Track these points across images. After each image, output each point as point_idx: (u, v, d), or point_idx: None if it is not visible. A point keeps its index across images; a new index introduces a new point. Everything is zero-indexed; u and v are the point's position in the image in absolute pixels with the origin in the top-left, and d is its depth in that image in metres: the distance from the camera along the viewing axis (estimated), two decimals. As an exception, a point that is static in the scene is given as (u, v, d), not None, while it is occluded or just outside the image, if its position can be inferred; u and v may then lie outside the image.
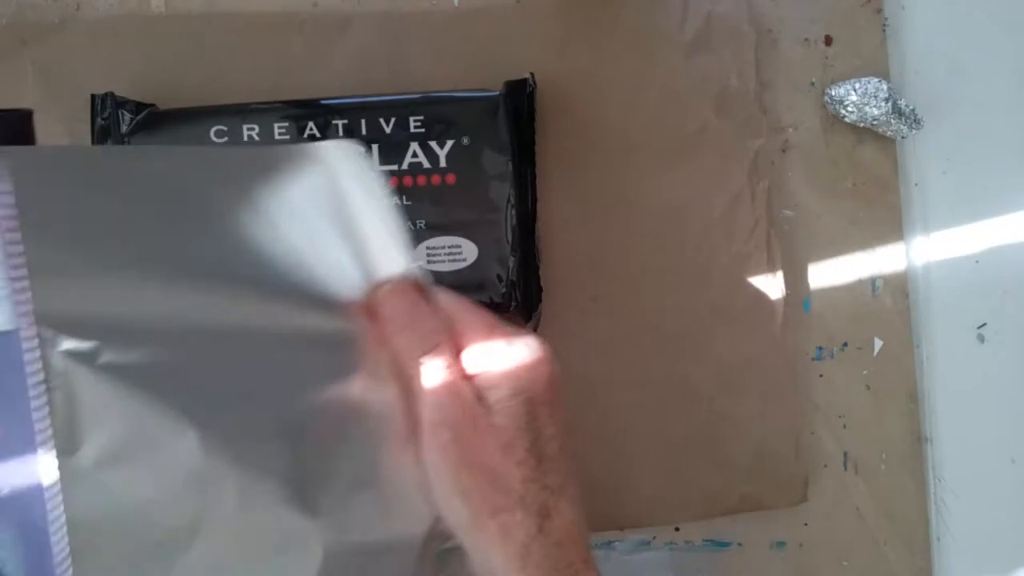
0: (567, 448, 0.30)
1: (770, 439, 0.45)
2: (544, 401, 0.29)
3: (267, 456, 0.27)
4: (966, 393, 0.47)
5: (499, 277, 0.42)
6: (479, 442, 0.28)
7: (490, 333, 0.30)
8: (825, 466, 0.46)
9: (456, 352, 0.29)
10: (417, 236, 0.41)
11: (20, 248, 0.23)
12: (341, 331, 0.29)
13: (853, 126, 0.47)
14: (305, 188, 0.29)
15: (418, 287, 0.30)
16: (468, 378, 0.29)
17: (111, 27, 0.44)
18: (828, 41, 0.47)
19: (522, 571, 0.28)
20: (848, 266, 0.47)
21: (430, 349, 0.29)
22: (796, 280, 0.46)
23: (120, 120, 0.41)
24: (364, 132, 0.41)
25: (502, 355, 0.29)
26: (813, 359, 0.47)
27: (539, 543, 0.28)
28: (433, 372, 0.29)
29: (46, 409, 0.23)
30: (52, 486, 0.24)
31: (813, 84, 0.47)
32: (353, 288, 0.29)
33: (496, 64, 0.44)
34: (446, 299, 0.30)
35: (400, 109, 0.42)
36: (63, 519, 0.24)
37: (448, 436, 0.28)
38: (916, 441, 0.47)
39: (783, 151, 0.47)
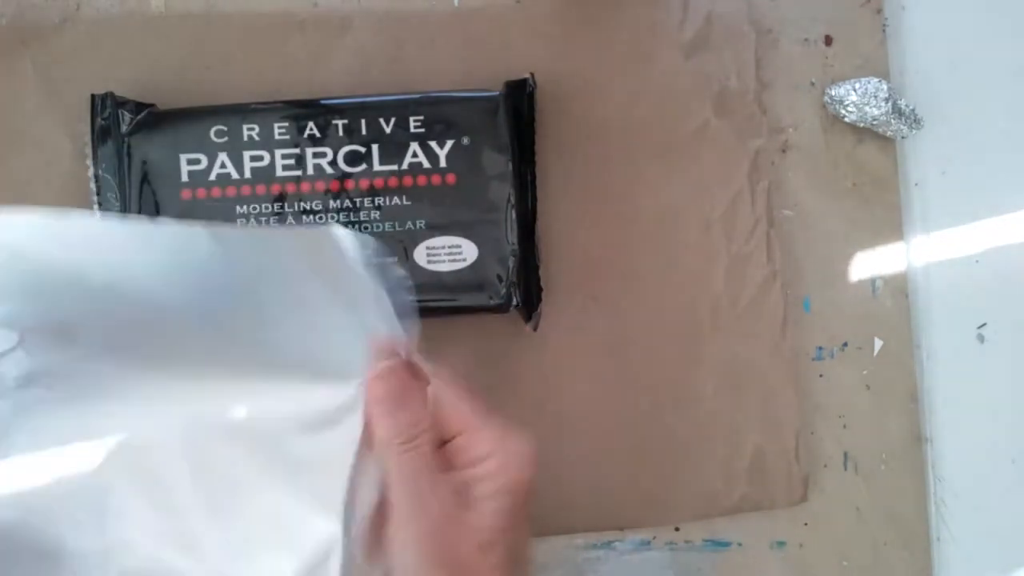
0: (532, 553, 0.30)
1: (770, 439, 0.45)
2: (524, 503, 0.29)
3: None
4: (966, 393, 0.47)
5: (499, 277, 0.42)
6: (456, 538, 0.27)
7: (480, 425, 0.29)
8: (825, 466, 0.46)
9: (440, 443, 0.29)
10: (417, 236, 0.41)
11: None
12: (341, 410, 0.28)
13: (853, 126, 0.47)
14: (312, 268, 0.28)
15: (411, 369, 0.29)
16: (449, 470, 0.28)
17: (111, 27, 0.44)
18: (828, 41, 0.47)
19: None
20: (848, 266, 0.47)
21: (410, 439, 0.28)
22: (796, 280, 0.46)
23: (120, 120, 0.41)
24: (364, 132, 0.41)
25: (490, 450, 0.28)
26: (813, 359, 0.47)
27: None
28: (412, 462, 0.28)
29: None
30: None
31: (813, 84, 0.47)
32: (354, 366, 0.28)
33: (496, 64, 0.44)
34: (439, 385, 0.29)
35: (400, 109, 0.42)
36: None
37: (424, 528, 0.27)
38: (916, 441, 0.47)
39: (783, 151, 0.47)
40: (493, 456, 0.28)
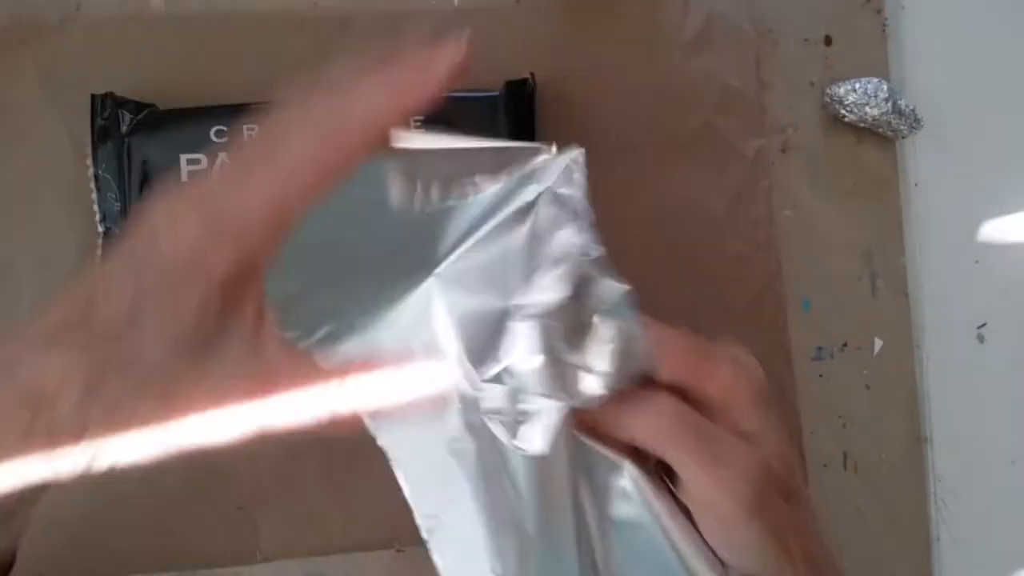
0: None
1: (770, 439, 0.45)
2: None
3: None
4: (966, 393, 0.47)
5: (499, 277, 0.42)
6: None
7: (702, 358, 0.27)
8: (825, 466, 0.46)
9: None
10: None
11: None
12: None
13: (853, 126, 0.47)
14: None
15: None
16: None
17: (111, 27, 0.44)
18: (828, 41, 0.47)
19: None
20: (848, 266, 0.47)
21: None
22: (796, 280, 0.46)
23: (120, 120, 0.41)
24: (364, 132, 0.41)
25: (735, 376, 0.27)
26: (813, 359, 0.47)
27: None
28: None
29: None
30: None
31: (813, 84, 0.47)
32: None
33: (496, 64, 0.44)
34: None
35: (400, 109, 0.42)
36: None
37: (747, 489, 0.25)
38: (916, 441, 0.47)
39: (783, 151, 0.47)
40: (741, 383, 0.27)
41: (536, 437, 0.23)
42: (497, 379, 0.24)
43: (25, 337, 0.23)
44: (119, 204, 0.41)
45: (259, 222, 0.24)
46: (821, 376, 0.46)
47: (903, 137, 0.47)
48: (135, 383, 0.23)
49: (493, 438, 0.24)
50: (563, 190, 0.26)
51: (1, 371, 0.23)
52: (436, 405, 0.25)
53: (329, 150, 0.25)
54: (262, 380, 0.24)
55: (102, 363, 0.23)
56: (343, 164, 0.25)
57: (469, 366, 0.24)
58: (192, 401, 0.24)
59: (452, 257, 0.25)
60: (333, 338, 0.25)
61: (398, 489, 0.25)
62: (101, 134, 0.41)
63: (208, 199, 0.24)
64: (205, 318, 0.24)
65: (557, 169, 0.26)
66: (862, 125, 0.46)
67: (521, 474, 0.24)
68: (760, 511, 0.25)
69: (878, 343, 0.47)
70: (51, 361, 0.23)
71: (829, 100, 0.46)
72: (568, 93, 0.45)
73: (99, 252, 0.41)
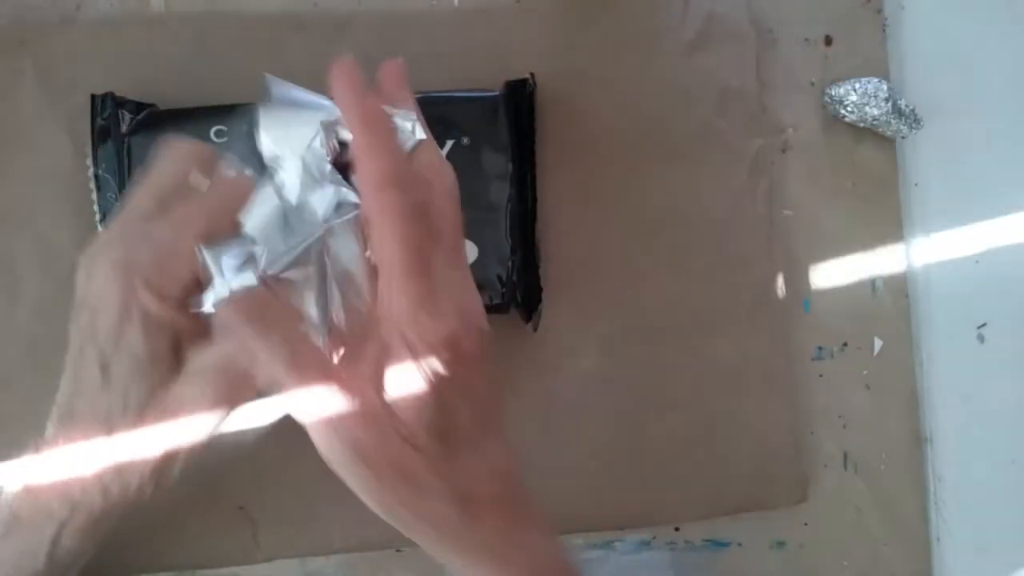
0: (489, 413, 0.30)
1: (770, 439, 0.45)
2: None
3: None
4: (966, 393, 0.47)
5: (499, 277, 0.42)
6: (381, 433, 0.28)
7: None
8: (825, 466, 0.46)
9: None
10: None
11: None
12: None
13: (853, 126, 0.47)
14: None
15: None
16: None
17: (111, 27, 0.44)
18: (828, 41, 0.47)
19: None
20: (848, 266, 0.47)
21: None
22: (796, 280, 0.46)
23: (120, 120, 0.41)
24: (364, 132, 0.41)
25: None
26: (813, 359, 0.47)
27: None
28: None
29: None
30: None
31: (813, 84, 0.47)
32: None
33: (496, 64, 0.44)
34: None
35: (400, 109, 0.42)
36: None
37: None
38: (916, 441, 0.47)
39: (783, 151, 0.47)
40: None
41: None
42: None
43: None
44: (119, 204, 0.41)
45: (166, 260, 0.30)
46: (821, 376, 0.46)
47: (903, 137, 0.47)
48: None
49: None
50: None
51: None
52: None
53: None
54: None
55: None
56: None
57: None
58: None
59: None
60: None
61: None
62: (101, 134, 0.41)
63: (116, 243, 0.31)
64: (156, 350, 0.30)
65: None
66: (862, 125, 0.46)
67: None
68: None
69: (878, 343, 0.47)
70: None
71: (829, 100, 0.46)
72: (568, 93, 0.45)
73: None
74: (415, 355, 0.27)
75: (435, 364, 0.27)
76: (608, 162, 0.45)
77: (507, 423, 0.31)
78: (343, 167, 0.31)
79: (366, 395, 0.27)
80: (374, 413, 0.27)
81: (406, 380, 0.27)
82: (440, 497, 0.28)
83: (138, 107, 0.42)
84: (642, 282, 0.45)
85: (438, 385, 0.27)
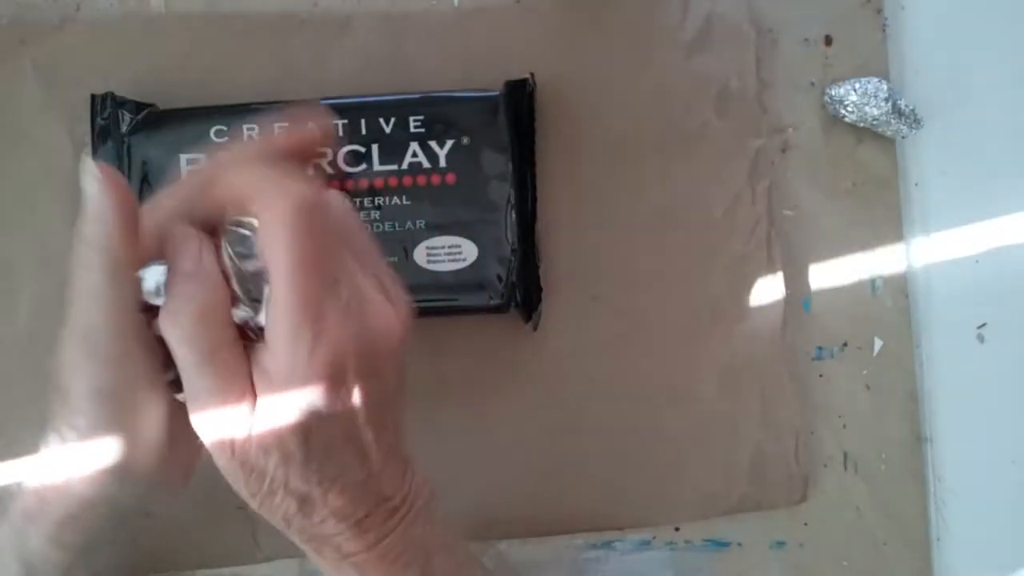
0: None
1: (770, 439, 0.45)
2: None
3: None
4: (966, 393, 0.47)
5: (499, 277, 0.42)
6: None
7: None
8: (825, 466, 0.46)
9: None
10: (417, 236, 0.42)
11: None
12: None
13: (853, 126, 0.47)
14: None
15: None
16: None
17: (111, 27, 0.44)
18: (828, 41, 0.47)
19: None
20: (848, 266, 0.47)
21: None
22: (796, 280, 0.46)
23: (120, 120, 0.41)
24: (364, 132, 0.41)
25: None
26: (813, 359, 0.47)
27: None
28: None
29: None
30: None
31: (813, 84, 0.47)
32: None
33: (496, 64, 0.44)
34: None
35: (400, 109, 0.42)
36: None
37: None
38: (916, 441, 0.47)
39: (783, 151, 0.47)
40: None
41: None
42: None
43: None
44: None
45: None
46: (821, 376, 0.47)
47: (903, 137, 0.47)
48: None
49: None
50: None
51: None
52: None
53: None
54: None
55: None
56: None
57: None
58: None
59: None
60: None
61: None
62: (101, 134, 0.41)
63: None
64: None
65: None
66: (862, 125, 0.46)
67: None
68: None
69: (878, 343, 0.47)
70: None
71: (829, 100, 0.46)
72: (568, 93, 0.45)
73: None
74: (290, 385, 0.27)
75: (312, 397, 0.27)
76: (608, 162, 0.45)
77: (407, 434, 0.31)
78: None
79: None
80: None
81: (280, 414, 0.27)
82: (329, 518, 0.28)
83: (138, 107, 0.42)
84: (642, 282, 0.45)
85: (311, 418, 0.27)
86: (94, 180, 0.27)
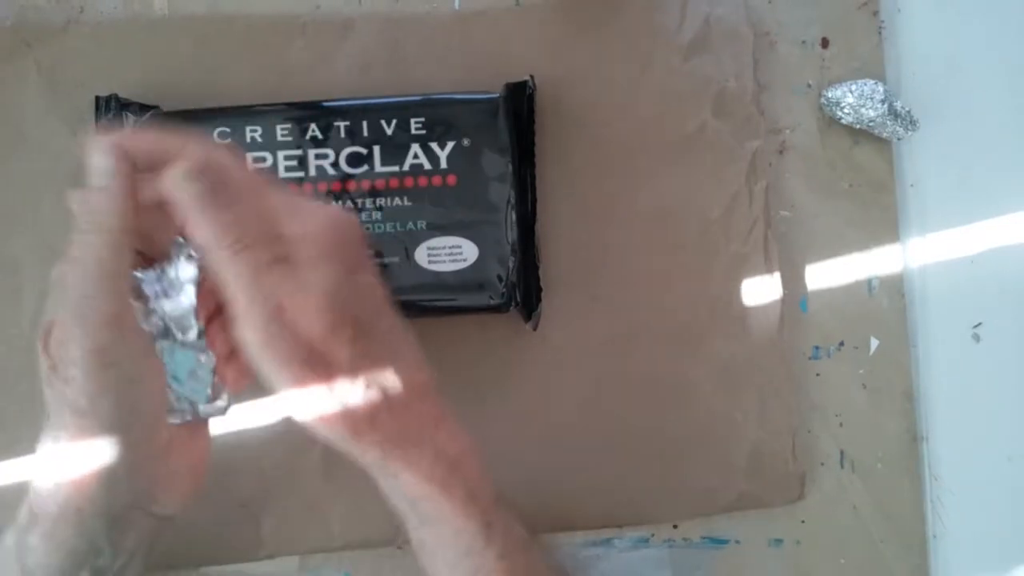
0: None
1: (767, 438, 0.46)
2: (355, 264, 0.30)
3: None
4: (962, 392, 0.48)
5: (499, 277, 0.42)
6: (297, 317, 0.28)
7: (294, 204, 0.30)
8: (822, 464, 0.47)
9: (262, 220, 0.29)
10: (418, 236, 0.42)
11: None
12: None
13: (849, 128, 0.47)
14: None
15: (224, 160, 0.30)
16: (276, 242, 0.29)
17: (115, 29, 0.45)
18: (825, 43, 0.48)
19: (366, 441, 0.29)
20: (845, 266, 0.47)
21: (238, 240, 0.28)
22: (793, 280, 0.47)
23: (124, 122, 0.42)
24: (366, 133, 0.42)
25: (305, 219, 0.29)
26: (810, 358, 0.47)
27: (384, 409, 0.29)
28: (242, 262, 0.28)
29: None
30: None
31: (810, 86, 0.47)
32: None
33: (496, 66, 0.45)
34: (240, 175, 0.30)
35: (401, 111, 0.42)
36: None
37: (260, 317, 0.28)
38: (912, 439, 0.47)
39: (780, 152, 0.47)
40: (309, 222, 0.29)
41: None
42: None
43: None
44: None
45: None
46: (818, 375, 0.47)
47: (899, 138, 0.47)
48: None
49: None
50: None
51: None
52: None
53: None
54: None
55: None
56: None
57: None
58: None
59: None
60: None
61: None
62: (105, 135, 0.42)
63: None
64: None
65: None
66: (858, 127, 0.46)
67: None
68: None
69: (874, 342, 0.47)
70: None
71: (826, 102, 0.47)
72: (567, 95, 0.45)
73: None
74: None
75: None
76: (607, 163, 0.46)
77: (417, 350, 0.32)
78: None
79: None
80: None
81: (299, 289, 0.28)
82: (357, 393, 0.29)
83: (142, 109, 0.42)
84: (641, 282, 0.46)
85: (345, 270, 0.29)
86: (101, 151, 0.29)
